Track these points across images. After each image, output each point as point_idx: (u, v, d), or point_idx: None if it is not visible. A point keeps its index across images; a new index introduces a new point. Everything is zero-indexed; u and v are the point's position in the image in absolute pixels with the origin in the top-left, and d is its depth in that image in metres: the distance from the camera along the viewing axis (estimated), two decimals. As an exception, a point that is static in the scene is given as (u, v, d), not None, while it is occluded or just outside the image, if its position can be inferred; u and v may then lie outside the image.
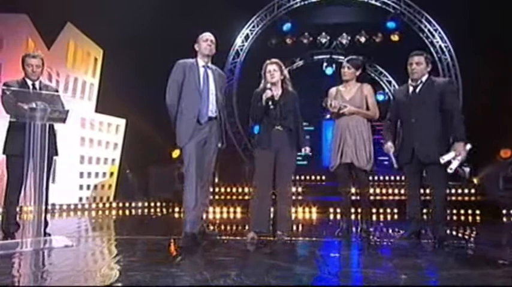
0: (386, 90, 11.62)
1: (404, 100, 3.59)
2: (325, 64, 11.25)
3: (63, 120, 3.60)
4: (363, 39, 10.86)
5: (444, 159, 3.22)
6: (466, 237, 4.11)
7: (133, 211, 7.04)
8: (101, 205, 7.20)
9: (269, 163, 3.56)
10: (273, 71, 3.60)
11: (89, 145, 7.27)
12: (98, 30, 7.42)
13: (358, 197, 3.95)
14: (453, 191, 7.26)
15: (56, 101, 3.70)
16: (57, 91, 3.92)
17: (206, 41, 3.57)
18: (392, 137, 3.71)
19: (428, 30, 10.40)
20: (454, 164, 3.21)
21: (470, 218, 6.16)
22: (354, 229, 3.98)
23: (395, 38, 10.86)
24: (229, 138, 10.17)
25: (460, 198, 7.31)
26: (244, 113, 10.60)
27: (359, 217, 3.98)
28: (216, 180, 8.74)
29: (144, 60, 7.62)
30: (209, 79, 3.59)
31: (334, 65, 11.36)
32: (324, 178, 8.89)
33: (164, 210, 7.17)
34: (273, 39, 10.78)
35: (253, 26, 10.68)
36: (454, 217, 6.13)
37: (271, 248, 3.24)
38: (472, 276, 2.33)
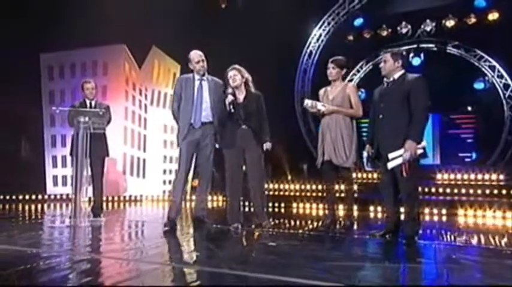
0: (489, 76, 10.19)
1: (377, 97, 3.58)
2: (411, 55, 10.56)
3: (104, 129, 4.79)
4: (451, 23, 9.88)
5: (391, 156, 3.13)
6: (450, 238, 3.74)
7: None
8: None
9: (237, 161, 3.90)
10: (234, 76, 3.91)
11: (170, 147, 8.66)
12: (176, 49, 8.73)
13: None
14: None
15: (105, 115, 4.85)
16: (108, 107, 5.08)
17: (198, 62, 4.14)
18: (372, 137, 3.67)
19: (534, 2, 8.79)
20: (395, 162, 3.08)
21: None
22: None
23: (493, 16, 9.54)
24: (301, 137, 10.53)
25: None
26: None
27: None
28: (289, 177, 9.27)
29: (212, 70, 8.62)
30: (203, 90, 4.21)
31: (422, 55, 10.59)
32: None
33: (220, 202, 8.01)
34: (350, 36, 10.66)
35: (326, 25, 10.72)
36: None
37: (237, 236, 3.64)
38: (354, 268, 2.42)
